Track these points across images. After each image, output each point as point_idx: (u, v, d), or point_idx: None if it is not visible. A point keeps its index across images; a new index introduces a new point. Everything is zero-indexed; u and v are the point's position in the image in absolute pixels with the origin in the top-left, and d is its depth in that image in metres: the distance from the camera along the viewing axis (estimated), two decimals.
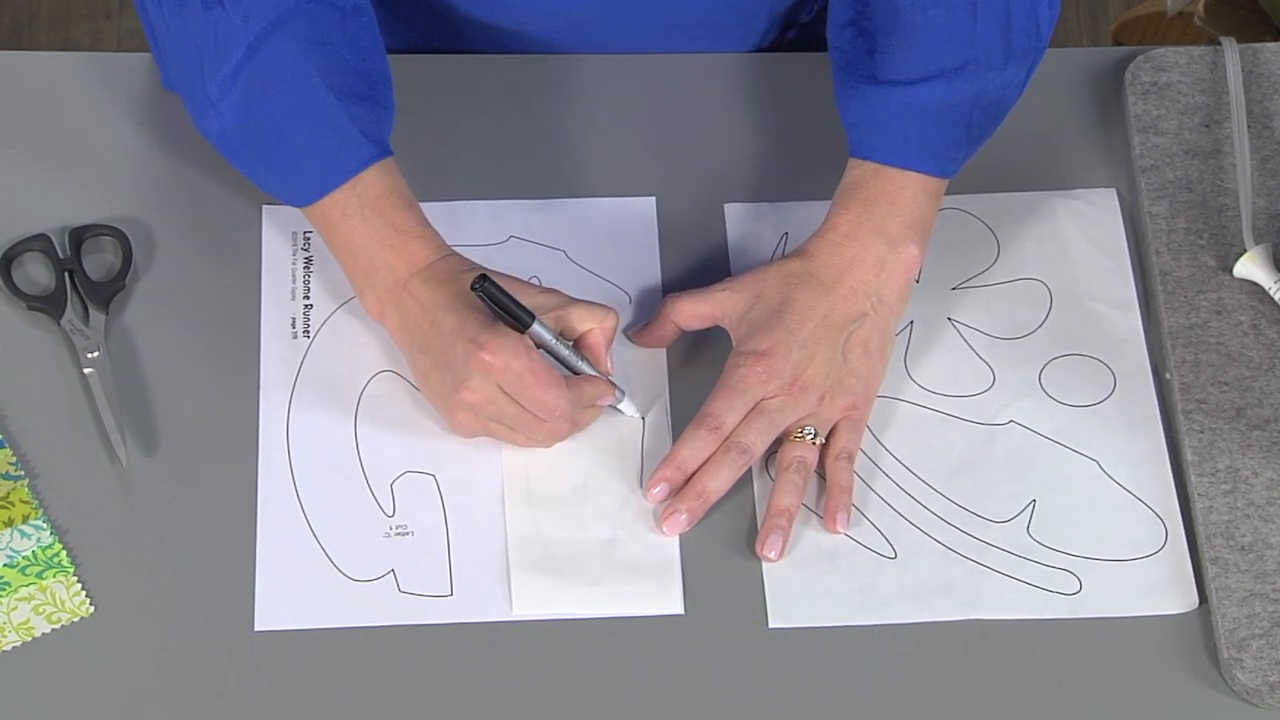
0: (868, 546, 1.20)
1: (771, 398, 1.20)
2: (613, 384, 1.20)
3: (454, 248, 1.21)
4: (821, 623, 1.17)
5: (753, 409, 1.20)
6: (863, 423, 1.22)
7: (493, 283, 1.15)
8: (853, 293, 1.22)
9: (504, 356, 1.15)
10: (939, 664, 1.16)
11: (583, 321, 1.20)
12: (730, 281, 1.24)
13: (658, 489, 1.19)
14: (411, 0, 1.36)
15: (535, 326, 1.17)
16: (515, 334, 1.16)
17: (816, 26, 1.41)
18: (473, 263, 1.20)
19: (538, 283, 1.24)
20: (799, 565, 1.19)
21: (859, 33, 1.25)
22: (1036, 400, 1.25)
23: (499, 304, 1.16)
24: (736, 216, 1.31)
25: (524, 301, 1.17)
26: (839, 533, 1.20)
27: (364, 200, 1.20)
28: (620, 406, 1.22)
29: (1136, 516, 1.21)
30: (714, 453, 1.19)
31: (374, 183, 1.20)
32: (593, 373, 1.20)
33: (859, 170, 1.24)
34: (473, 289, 1.15)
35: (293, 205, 1.23)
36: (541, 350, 1.18)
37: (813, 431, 1.21)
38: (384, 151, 1.21)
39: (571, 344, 1.20)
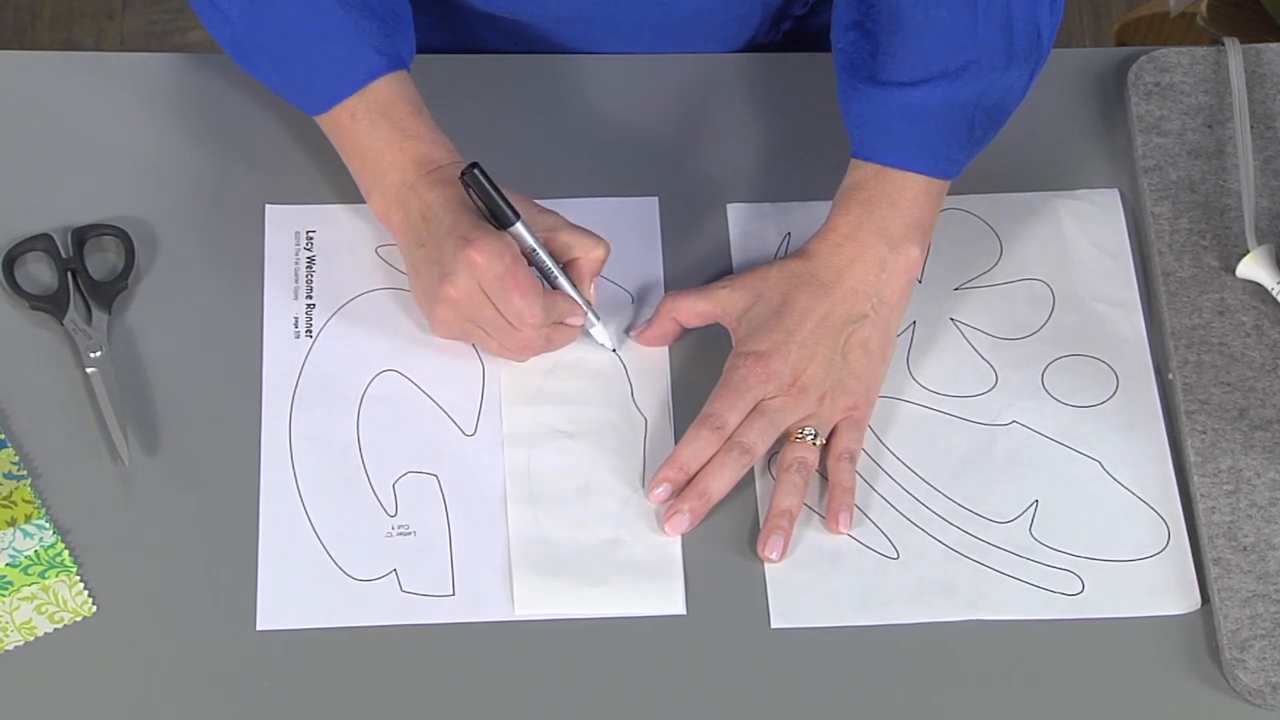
0: (870, 547, 1.20)
1: (772, 398, 1.20)
2: (588, 308, 1.22)
3: None
4: (824, 623, 1.17)
5: (754, 409, 1.20)
6: (864, 423, 1.22)
7: (483, 172, 1.17)
8: (853, 293, 1.22)
9: (489, 255, 1.17)
10: (941, 664, 1.16)
11: (569, 249, 1.21)
12: (731, 279, 1.25)
13: (660, 489, 1.19)
14: None
15: (518, 226, 1.18)
16: (504, 236, 1.18)
17: (810, 20, 1.42)
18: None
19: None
20: (801, 565, 1.19)
21: (863, 34, 1.25)
22: (1039, 400, 1.25)
23: (485, 195, 1.17)
24: (739, 216, 1.31)
25: (520, 211, 1.19)
26: (841, 533, 1.20)
27: (372, 106, 1.22)
28: (592, 332, 1.24)
29: (1139, 517, 1.21)
30: (716, 453, 1.19)
31: (383, 89, 1.22)
32: (571, 291, 1.21)
33: (860, 171, 1.24)
34: (461, 177, 1.17)
35: (304, 111, 1.24)
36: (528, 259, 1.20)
37: (813, 432, 1.21)
38: (394, 65, 1.22)
39: (555, 260, 1.21)
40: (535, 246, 1.20)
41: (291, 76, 1.24)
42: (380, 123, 1.22)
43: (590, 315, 1.23)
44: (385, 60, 1.22)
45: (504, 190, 1.19)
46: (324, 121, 1.24)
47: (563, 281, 1.21)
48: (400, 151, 1.21)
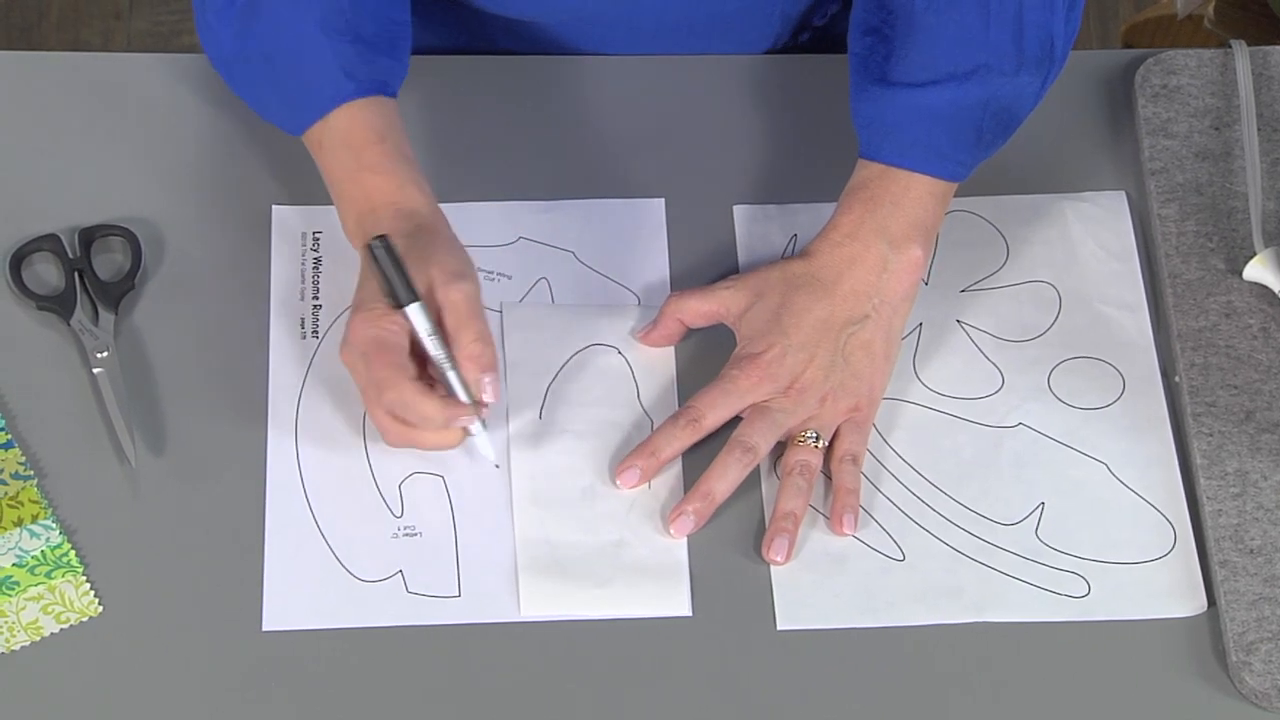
0: (875, 549, 1.20)
1: (770, 399, 1.20)
2: (472, 413, 1.15)
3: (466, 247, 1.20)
4: (829, 625, 1.17)
5: (755, 410, 1.20)
6: (867, 424, 1.22)
7: (385, 248, 1.14)
8: (853, 294, 1.22)
9: (366, 328, 1.15)
10: (947, 666, 1.16)
11: (451, 337, 1.15)
12: (734, 279, 1.25)
13: (627, 474, 1.19)
14: None
15: (412, 309, 1.15)
16: (387, 312, 1.15)
17: (830, 30, 1.42)
18: (431, 210, 1.19)
19: (545, 283, 1.25)
20: (807, 567, 1.19)
21: (880, 39, 1.25)
22: (1045, 403, 1.25)
23: (383, 269, 1.15)
24: (745, 218, 1.31)
25: (446, 298, 1.15)
26: (845, 535, 1.20)
27: (335, 133, 1.21)
28: (475, 440, 1.18)
29: (1145, 519, 1.21)
30: (719, 454, 1.19)
31: (345, 116, 1.21)
32: (460, 394, 1.16)
33: (866, 171, 1.24)
34: (367, 246, 1.15)
35: (286, 133, 1.24)
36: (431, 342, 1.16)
37: (815, 434, 1.21)
38: (366, 90, 1.21)
39: (449, 354, 1.16)
40: (424, 336, 1.15)
41: (268, 100, 1.24)
42: (339, 152, 1.21)
43: (476, 424, 1.16)
44: (354, 85, 1.21)
45: (428, 252, 1.15)
46: (304, 142, 1.24)
47: (451, 378, 1.15)
48: (355, 184, 1.20)
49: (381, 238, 1.14)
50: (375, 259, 1.14)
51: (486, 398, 1.16)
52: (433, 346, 1.16)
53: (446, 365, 1.16)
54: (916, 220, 1.23)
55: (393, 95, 1.23)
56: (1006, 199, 1.32)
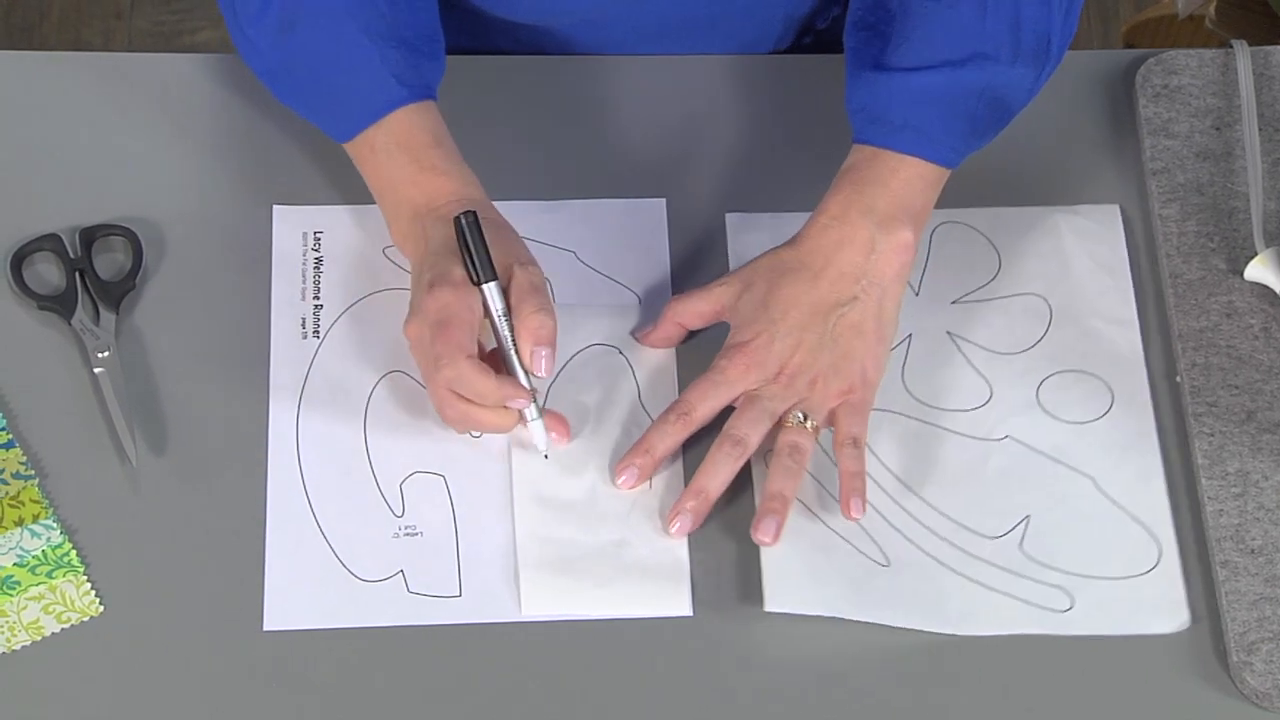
0: (863, 551, 1.19)
1: (759, 388, 1.20)
2: (528, 395, 1.17)
3: None
4: (817, 611, 1.16)
5: (745, 399, 1.20)
6: (865, 407, 1.21)
7: (473, 223, 1.16)
8: (841, 277, 1.21)
9: (440, 301, 1.16)
10: (949, 668, 1.16)
11: (515, 316, 1.17)
12: (727, 276, 1.25)
13: (624, 475, 1.19)
14: None
15: (488, 287, 1.17)
16: (467, 289, 1.16)
17: (832, 34, 1.41)
18: (491, 207, 1.21)
19: (546, 284, 1.25)
20: (797, 555, 1.18)
21: (875, 35, 1.25)
22: (1033, 416, 1.24)
23: (467, 243, 1.16)
24: (738, 226, 1.30)
25: (514, 279, 1.17)
26: (854, 518, 1.19)
27: (390, 137, 1.21)
28: (530, 426, 1.19)
29: (1130, 534, 1.20)
30: (710, 450, 1.19)
31: (402, 120, 1.21)
32: (521, 377, 1.18)
33: (857, 154, 1.24)
34: (455, 218, 1.16)
35: (333, 139, 1.24)
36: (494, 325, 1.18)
37: (803, 415, 1.20)
38: (417, 95, 1.22)
39: (514, 337, 1.18)
40: (497, 315, 1.17)
41: (317, 106, 1.24)
42: (398, 155, 1.21)
43: (531, 408, 1.18)
44: (407, 90, 1.22)
45: (498, 238, 1.18)
46: (349, 150, 1.24)
47: (514, 359, 1.18)
48: (415, 185, 1.21)
49: (470, 213, 1.16)
50: (461, 234, 1.16)
51: (539, 372, 1.17)
52: (503, 326, 1.17)
53: (511, 347, 1.17)
54: (905, 202, 1.22)
55: (435, 98, 1.24)
56: (1000, 211, 1.31)
